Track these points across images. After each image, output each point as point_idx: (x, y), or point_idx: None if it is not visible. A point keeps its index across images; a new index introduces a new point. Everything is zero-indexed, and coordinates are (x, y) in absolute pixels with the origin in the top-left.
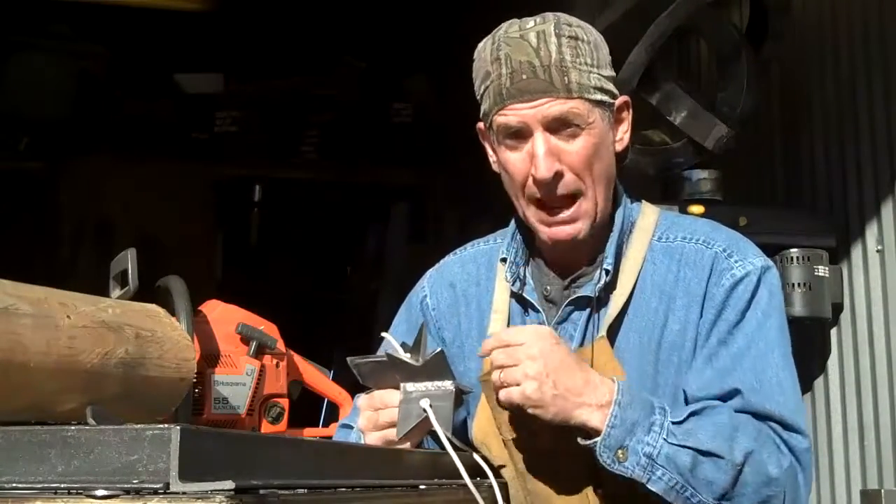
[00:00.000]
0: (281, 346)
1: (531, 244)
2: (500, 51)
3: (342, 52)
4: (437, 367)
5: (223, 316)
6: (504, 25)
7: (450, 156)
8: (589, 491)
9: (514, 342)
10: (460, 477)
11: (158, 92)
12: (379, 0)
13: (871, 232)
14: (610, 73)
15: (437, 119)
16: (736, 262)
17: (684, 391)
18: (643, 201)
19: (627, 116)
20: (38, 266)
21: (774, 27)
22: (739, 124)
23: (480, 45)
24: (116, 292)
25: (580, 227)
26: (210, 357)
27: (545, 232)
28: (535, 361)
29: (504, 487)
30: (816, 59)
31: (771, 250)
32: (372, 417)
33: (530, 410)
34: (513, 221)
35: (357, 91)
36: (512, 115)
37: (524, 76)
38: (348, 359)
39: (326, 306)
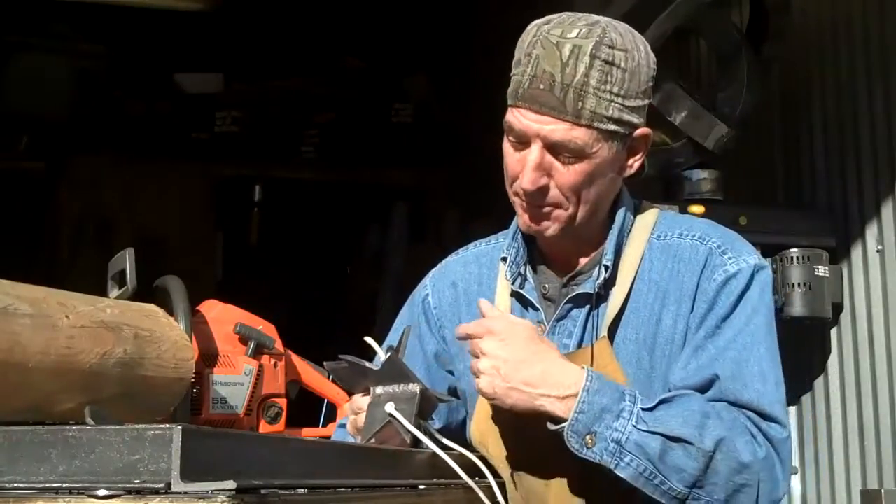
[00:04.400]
0: (279, 345)
1: (531, 243)
2: (534, 48)
3: (342, 53)
4: (398, 371)
5: (221, 316)
6: (554, 19)
7: (450, 156)
8: (583, 487)
9: (474, 334)
10: (459, 477)
11: (158, 92)
12: (379, 0)
13: (871, 232)
14: (638, 102)
15: (437, 119)
16: (730, 258)
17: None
18: (643, 201)
19: (644, 148)
20: (38, 266)
21: (774, 27)
22: (739, 124)
23: (531, 25)
24: (115, 292)
25: (549, 225)
26: (208, 357)
27: (521, 218)
28: (487, 358)
29: (503, 486)
30: (816, 59)
31: (771, 250)
32: (353, 421)
33: (489, 402)
34: (514, 221)
35: (357, 91)
36: (517, 119)
37: (542, 86)
38: (325, 363)
39: (326, 306)
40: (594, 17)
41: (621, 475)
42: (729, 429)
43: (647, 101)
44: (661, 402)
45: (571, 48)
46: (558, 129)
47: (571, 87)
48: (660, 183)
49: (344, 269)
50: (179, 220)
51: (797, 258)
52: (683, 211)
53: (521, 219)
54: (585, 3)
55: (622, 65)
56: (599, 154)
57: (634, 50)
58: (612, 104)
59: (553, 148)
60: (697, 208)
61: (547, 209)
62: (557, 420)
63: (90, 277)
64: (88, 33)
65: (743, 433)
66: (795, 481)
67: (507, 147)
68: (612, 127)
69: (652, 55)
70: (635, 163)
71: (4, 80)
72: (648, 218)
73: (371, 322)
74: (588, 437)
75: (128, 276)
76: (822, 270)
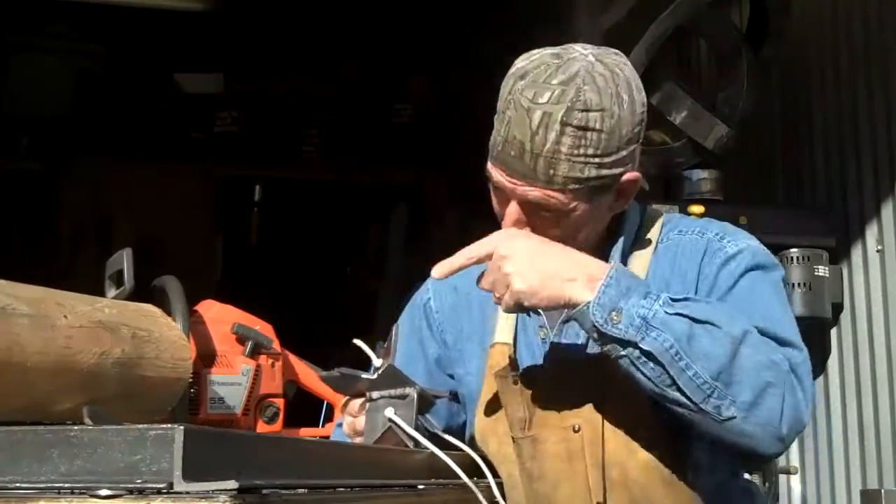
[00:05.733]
0: (276, 346)
1: None
2: (507, 108)
3: (342, 53)
4: (392, 376)
5: (219, 316)
6: (528, 79)
7: (450, 156)
8: (596, 494)
9: (483, 255)
10: (458, 477)
11: (158, 92)
12: (379, 0)
13: (871, 232)
14: (622, 153)
15: (437, 119)
16: (728, 242)
17: None
18: (649, 207)
19: (633, 189)
20: (38, 266)
21: (774, 27)
22: (739, 124)
23: (510, 74)
24: (112, 292)
25: None
26: (206, 357)
27: None
28: (510, 260)
29: (502, 486)
30: (816, 59)
31: (771, 250)
32: (350, 424)
33: (526, 304)
34: None
35: (357, 91)
36: (497, 176)
37: (512, 153)
38: (320, 375)
39: (326, 307)
40: (574, 65)
41: (646, 348)
42: (752, 330)
43: (634, 147)
44: (687, 298)
45: (541, 116)
46: (532, 192)
47: (542, 156)
48: (660, 183)
49: (344, 269)
50: (179, 220)
51: (797, 258)
52: (683, 211)
53: None
54: (586, 5)
55: (597, 126)
56: (579, 209)
57: (614, 104)
58: (588, 166)
59: (530, 207)
60: (697, 208)
61: None
62: (579, 304)
63: (90, 277)
64: (88, 33)
65: (765, 341)
66: (795, 481)
67: (493, 193)
68: (591, 184)
69: (640, 96)
70: (625, 202)
71: (4, 80)
72: (655, 227)
73: (371, 322)
74: (613, 314)
75: (125, 276)
76: (822, 270)
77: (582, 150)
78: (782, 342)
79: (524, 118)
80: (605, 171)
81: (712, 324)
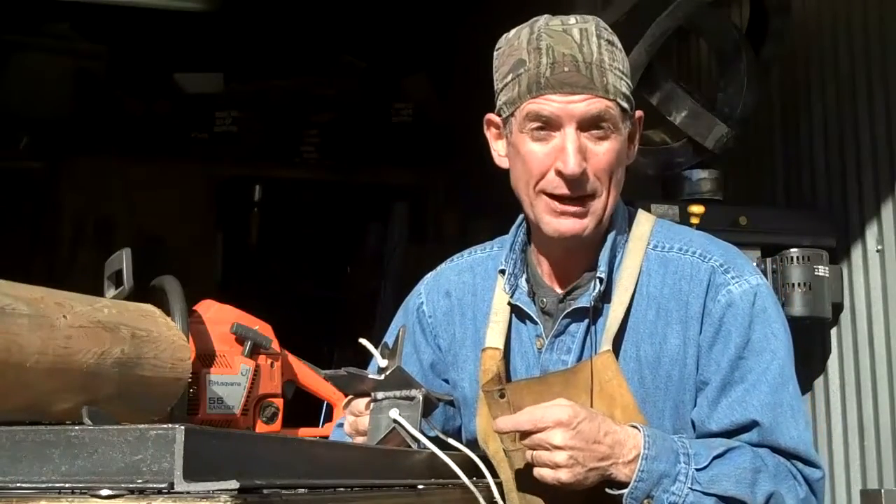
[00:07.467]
0: (275, 345)
1: (529, 255)
2: (540, 41)
3: (342, 52)
4: (398, 377)
5: (218, 316)
6: (542, 18)
7: (450, 156)
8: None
9: (536, 428)
10: (458, 477)
11: (158, 92)
12: (379, 0)
13: (871, 232)
14: (630, 83)
15: (437, 119)
16: (732, 278)
17: (694, 420)
18: (639, 209)
19: (638, 132)
20: (38, 266)
21: (774, 27)
22: (739, 124)
23: (511, 33)
24: (111, 292)
25: (587, 224)
26: (205, 357)
27: (551, 224)
28: (564, 451)
29: (501, 487)
30: (816, 59)
31: (771, 250)
32: (353, 423)
33: (565, 487)
34: (512, 230)
35: (357, 91)
36: (546, 105)
37: (566, 69)
38: (324, 373)
39: (326, 306)
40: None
41: None
42: (776, 480)
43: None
44: (715, 457)
45: (580, 31)
46: (594, 103)
47: (593, 64)
48: (660, 183)
49: (344, 269)
50: (179, 220)
51: (797, 258)
52: (683, 211)
53: (551, 225)
54: (585, 3)
55: (619, 45)
56: (622, 131)
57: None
58: (622, 80)
59: (587, 126)
60: (697, 208)
61: (583, 206)
62: (620, 483)
63: (90, 277)
64: (88, 33)
65: (787, 478)
66: None
67: (527, 146)
68: (626, 104)
69: None
70: (633, 149)
71: (4, 80)
72: (644, 227)
73: (371, 321)
74: (646, 501)
75: (124, 276)
76: (822, 270)
77: (616, 64)
78: (807, 462)
79: (565, 37)
80: (629, 93)
81: (739, 501)
